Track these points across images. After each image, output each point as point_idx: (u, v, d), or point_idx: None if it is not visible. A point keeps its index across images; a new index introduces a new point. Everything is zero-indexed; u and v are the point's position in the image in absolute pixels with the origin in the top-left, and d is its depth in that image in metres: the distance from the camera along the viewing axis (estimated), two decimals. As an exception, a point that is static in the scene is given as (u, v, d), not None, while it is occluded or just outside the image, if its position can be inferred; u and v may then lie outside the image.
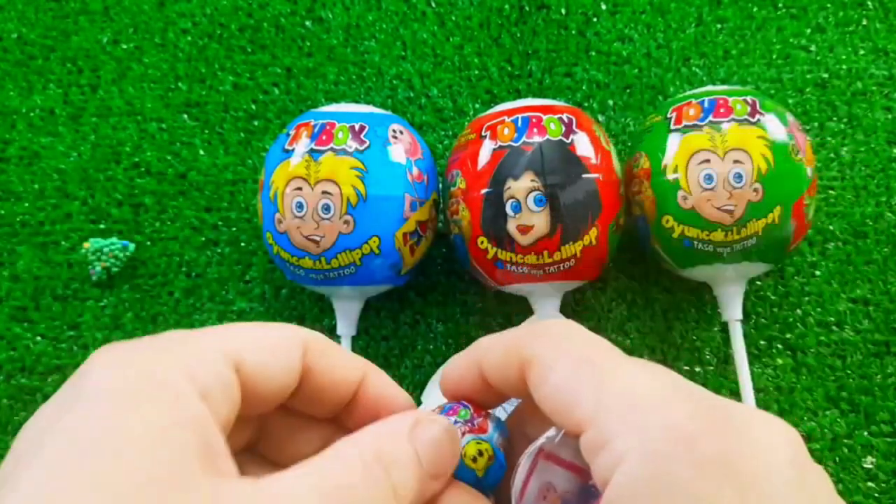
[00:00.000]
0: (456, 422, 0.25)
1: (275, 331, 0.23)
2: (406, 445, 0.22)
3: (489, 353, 0.24)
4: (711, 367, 0.45)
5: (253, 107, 0.51)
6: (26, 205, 0.49)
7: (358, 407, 0.25)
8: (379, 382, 0.26)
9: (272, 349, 0.22)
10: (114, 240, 0.47)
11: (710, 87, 0.41)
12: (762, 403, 0.44)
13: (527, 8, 0.53)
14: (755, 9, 0.52)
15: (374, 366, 0.26)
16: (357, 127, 0.39)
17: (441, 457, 0.23)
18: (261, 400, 0.22)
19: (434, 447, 0.22)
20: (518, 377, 0.23)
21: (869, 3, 0.52)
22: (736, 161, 0.37)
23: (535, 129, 0.38)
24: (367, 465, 0.21)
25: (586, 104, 0.50)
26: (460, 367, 0.25)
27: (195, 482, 0.17)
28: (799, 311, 0.46)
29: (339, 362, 0.25)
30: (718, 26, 0.52)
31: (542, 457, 0.24)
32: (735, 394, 0.42)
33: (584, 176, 0.38)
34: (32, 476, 0.16)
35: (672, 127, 0.39)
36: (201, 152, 0.50)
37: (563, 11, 0.52)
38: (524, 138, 0.38)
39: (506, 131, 0.39)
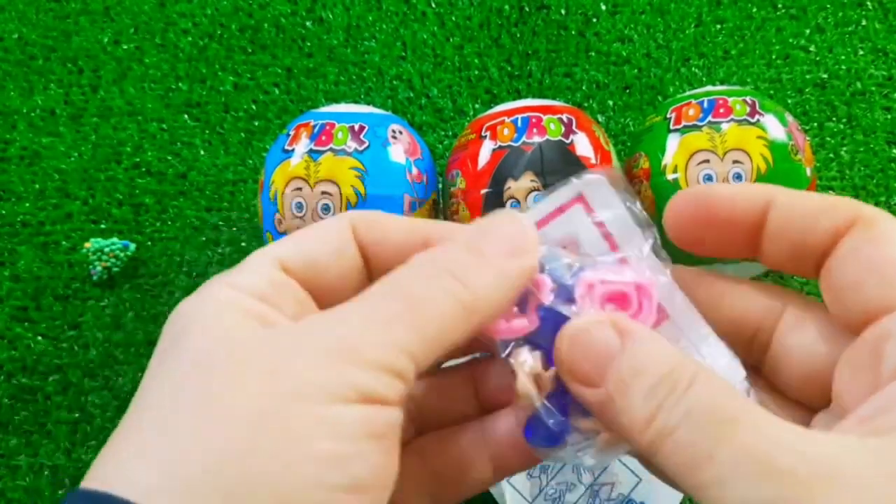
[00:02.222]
0: None
1: (319, 225, 0.23)
2: (468, 255, 0.20)
3: (793, 196, 0.20)
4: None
5: (253, 107, 0.51)
6: (27, 205, 0.49)
7: None
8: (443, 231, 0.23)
9: (315, 239, 0.22)
10: (114, 240, 0.47)
11: (709, 88, 0.41)
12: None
13: (527, 8, 0.53)
14: (754, 9, 0.52)
15: (440, 224, 0.23)
16: (356, 127, 0.39)
17: (512, 239, 0.21)
18: (330, 285, 0.22)
19: (501, 236, 0.21)
20: (827, 231, 0.20)
21: (868, 3, 0.52)
22: (735, 161, 0.37)
23: (534, 130, 0.38)
24: (428, 270, 0.20)
25: (586, 104, 0.50)
26: (742, 188, 0.21)
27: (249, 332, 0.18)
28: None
29: (392, 226, 0.23)
30: (718, 27, 0.52)
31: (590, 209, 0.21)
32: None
33: (584, 176, 0.38)
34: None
35: (672, 127, 0.39)
36: (202, 152, 0.50)
37: (563, 12, 0.52)
38: (524, 138, 0.38)
39: (506, 131, 0.39)
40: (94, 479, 0.16)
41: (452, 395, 0.25)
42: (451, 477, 0.23)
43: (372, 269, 0.23)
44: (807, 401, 0.21)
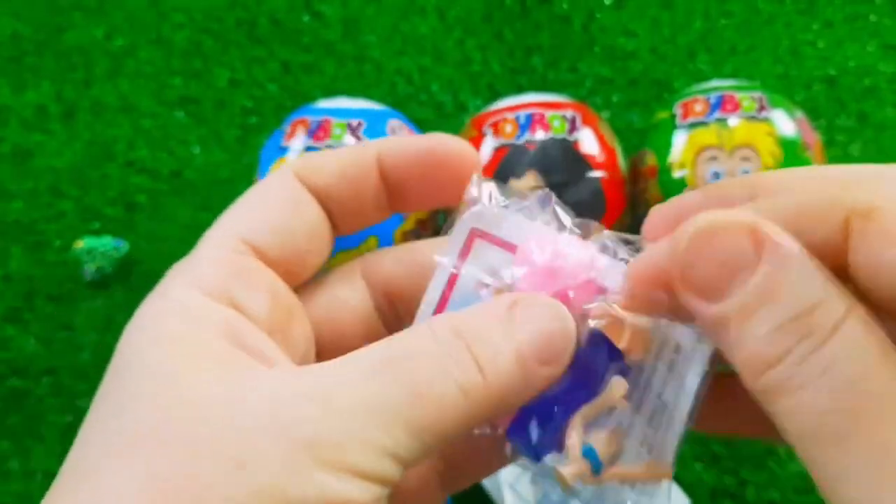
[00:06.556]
0: None
1: (266, 187, 0.21)
2: (496, 324, 0.17)
3: (782, 197, 0.16)
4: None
5: (249, 103, 0.50)
6: (19, 203, 0.49)
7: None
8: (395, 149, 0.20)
9: (274, 206, 0.20)
10: (107, 239, 0.46)
11: (717, 83, 0.41)
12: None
13: (529, 2, 0.52)
14: (762, 3, 0.52)
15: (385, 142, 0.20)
16: (354, 123, 0.38)
17: (550, 344, 0.17)
18: (302, 259, 0.20)
19: (537, 334, 0.17)
20: (834, 237, 0.15)
21: (878, -3, 0.51)
22: (744, 158, 0.37)
23: (538, 126, 0.38)
24: (440, 335, 0.16)
25: (590, 100, 0.50)
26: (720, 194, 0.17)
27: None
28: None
29: (329, 166, 0.20)
30: (725, 21, 0.51)
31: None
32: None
33: (589, 174, 0.37)
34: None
35: (679, 123, 0.39)
36: (196, 150, 0.49)
37: (566, 5, 0.52)
38: (527, 135, 0.37)
39: (508, 128, 0.38)
40: None
41: None
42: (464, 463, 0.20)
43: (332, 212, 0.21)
44: None
